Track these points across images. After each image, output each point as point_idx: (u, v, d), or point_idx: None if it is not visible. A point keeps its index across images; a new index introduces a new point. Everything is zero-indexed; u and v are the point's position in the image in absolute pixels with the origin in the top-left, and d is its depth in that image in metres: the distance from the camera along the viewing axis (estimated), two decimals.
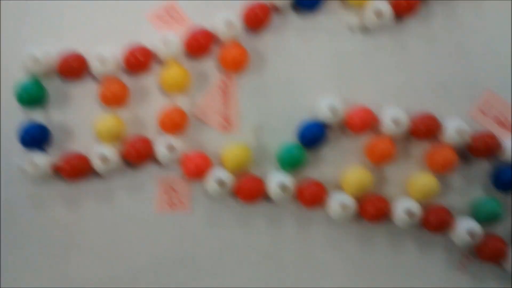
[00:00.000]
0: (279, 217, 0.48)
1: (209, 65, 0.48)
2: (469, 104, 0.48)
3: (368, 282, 0.47)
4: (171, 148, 0.45)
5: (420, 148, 0.48)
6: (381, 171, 0.48)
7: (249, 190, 0.46)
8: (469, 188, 0.48)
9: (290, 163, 0.46)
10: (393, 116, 0.46)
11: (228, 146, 0.46)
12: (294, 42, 0.48)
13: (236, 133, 0.48)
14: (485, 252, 0.46)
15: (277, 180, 0.46)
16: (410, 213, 0.45)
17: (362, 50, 0.48)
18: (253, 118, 0.48)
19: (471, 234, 0.45)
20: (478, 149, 0.46)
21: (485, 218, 0.46)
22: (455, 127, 0.46)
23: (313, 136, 0.46)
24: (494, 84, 0.48)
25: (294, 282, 0.48)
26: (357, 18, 0.48)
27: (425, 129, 0.46)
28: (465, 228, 0.46)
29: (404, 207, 0.46)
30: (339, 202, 0.45)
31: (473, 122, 0.48)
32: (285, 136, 0.47)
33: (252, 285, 0.47)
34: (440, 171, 0.46)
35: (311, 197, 0.46)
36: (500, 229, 0.48)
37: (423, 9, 0.48)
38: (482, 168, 0.48)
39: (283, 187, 0.45)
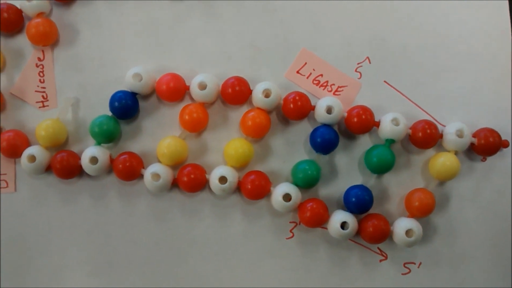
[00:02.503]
0: (102, 193, 0.46)
1: (23, 42, 0.47)
2: (286, 66, 0.46)
3: (195, 255, 0.47)
4: None
5: (237, 114, 0.46)
6: (200, 139, 0.46)
7: (65, 167, 0.45)
8: (291, 152, 0.46)
9: (101, 135, 0.45)
10: (200, 82, 0.44)
11: (40, 122, 0.45)
12: (105, 13, 0.47)
13: (55, 109, 0.46)
14: (305, 217, 0.44)
15: (88, 154, 0.44)
16: (223, 179, 0.44)
17: (173, 16, 0.46)
18: (70, 92, 0.47)
19: (288, 198, 0.44)
20: (290, 110, 0.44)
21: (302, 181, 0.44)
22: (261, 89, 0.44)
23: (121, 105, 0.44)
24: (310, 43, 0.46)
25: (121, 256, 0.47)
26: None
27: (234, 94, 0.44)
28: (281, 193, 0.44)
29: (217, 174, 0.44)
30: (152, 172, 0.44)
31: (289, 83, 0.46)
32: (102, 109, 0.46)
33: (79, 260, 0.47)
34: (255, 135, 0.45)
35: (126, 170, 0.44)
36: (324, 192, 0.46)
37: None
38: (304, 130, 0.46)
39: (93, 160, 0.44)
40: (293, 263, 0.46)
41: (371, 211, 0.45)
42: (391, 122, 0.44)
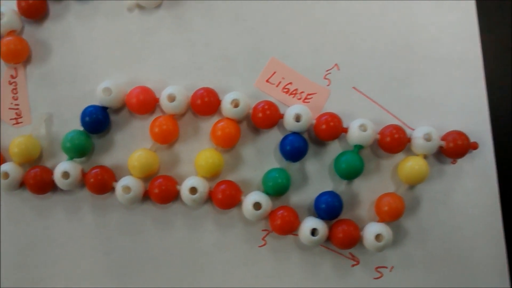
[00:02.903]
0: (76, 207, 0.47)
1: None
2: (256, 75, 0.47)
3: (169, 265, 0.47)
4: None
5: (208, 124, 0.46)
6: (172, 151, 0.47)
7: (38, 182, 0.45)
8: (262, 160, 0.46)
9: (73, 150, 0.45)
10: (169, 94, 0.45)
11: (13, 139, 0.46)
12: (76, 28, 0.48)
13: (29, 126, 0.47)
14: (276, 225, 0.44)
15: (60, 169, 0.45)
16: (193, 190, 0.44)
17: (142, 29, 0.47)
18: (43, 108, 0.47)
19: (258, 207, 0.45)
20: (259, 119, 0.45)
21: (273, 189, 0.44)
22: (229, 99, 0.44)
23: (92, 120, 0.45)
24: (279, 52, 0.47)
25: (96, 268, 0.48)
26: None
27: (203, 105, 0.45)
28: (251, 201, 0.44)
29: (188, 185, 0.45)
30: (123, 185, 0.45)
31: (260, 92, 0.46)
32: (75, 124, 0.46)
33: (54, 273, 0.48)
34: (225, 145, 0.45)
35: (97, 184, 0.45)
36: (295, 199, 0.46)
37: None
38: (274, 138, 0.46)
39: (65, 175, 0.45)
40: (266, 271, 0.46)
41: (342, 216, 0.45)
42: (359, 128, 0.44)
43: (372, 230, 0.44)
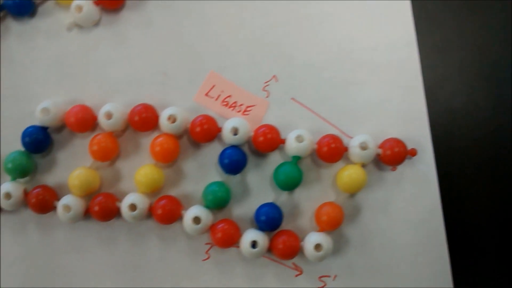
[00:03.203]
0: (21, 226, 0.47)
1: None
2: (195, 89, 0.47)
3: (114, 282, 0.47)
4: None
5: (149, 140, 0.47)
6: (114, 168, 0.47)
7: None
8: (204, 174, 0.47)
9: (15, 171, 0.46)
10: (106, 112, 0.45)
11: None
12: (17, 49, 0.48)
13: None
14: (217, 238, 0.45)
15: (2, 190, 0.45)
16: (133, 207, 0.45)
17: (82, 48, 0.48)
18: None
19: (198, 221, 0.45)
20: (197, 133, 0.45)
21: (213, 202, 0.45)
22: (166, 115, 0.45)
23: (32, 140, 0.46)
24: (218, 65, 0.47)
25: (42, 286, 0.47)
26: (70, 16, 0.47)
27: (141, 121, 0.45)
28: (191, 216, 0.45)
29: (127, 202, 0.45)
30: (63, 204, 0.45)
31: (199, 106, 0.47)
32: (18, 145, 0.46)
33: None
34: (164, 160, 0.46)
35: (39, 203, 0.45)
36: (237, 212, 0.47)
37: None
38: (215, 151, 0.47)
39: (7, 196, 0.45)
40: (210, 284, 0.47)
41: (284, 227, 0.45)
42: (296, 139, 0.45)
43: (311, 240, 0.44)
